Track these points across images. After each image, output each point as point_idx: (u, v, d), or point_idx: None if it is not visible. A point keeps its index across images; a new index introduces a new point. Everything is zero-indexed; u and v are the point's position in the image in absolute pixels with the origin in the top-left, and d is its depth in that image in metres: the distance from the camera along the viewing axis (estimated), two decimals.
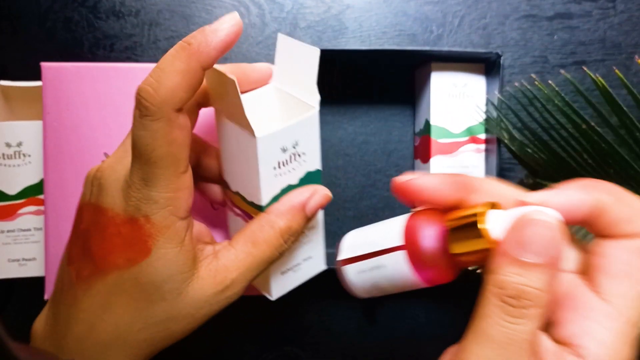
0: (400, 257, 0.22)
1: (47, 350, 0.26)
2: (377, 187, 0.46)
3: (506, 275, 0.19)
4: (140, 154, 0.23)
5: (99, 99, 0.38)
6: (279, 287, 0.31)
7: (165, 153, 0.23)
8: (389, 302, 0.47)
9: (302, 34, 0.46)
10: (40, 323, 0.27)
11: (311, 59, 0.27)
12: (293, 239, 0.27)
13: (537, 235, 0.18)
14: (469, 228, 0.20)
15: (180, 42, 0.23)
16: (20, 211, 0.40)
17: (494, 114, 0.40)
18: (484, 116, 0.42)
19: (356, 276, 0.25)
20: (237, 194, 0.30)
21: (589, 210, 0.20)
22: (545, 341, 0.20)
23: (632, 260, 0.19)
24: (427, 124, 0.43)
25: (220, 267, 0.25)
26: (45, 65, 0.37)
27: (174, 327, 0.25)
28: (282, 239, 0.27)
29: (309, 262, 0.32)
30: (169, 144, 0.23)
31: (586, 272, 0.20)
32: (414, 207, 0.24)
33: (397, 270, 0.23)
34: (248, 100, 0.29)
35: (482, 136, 0.43)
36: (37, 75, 0.37)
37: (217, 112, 0.29)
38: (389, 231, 0.23)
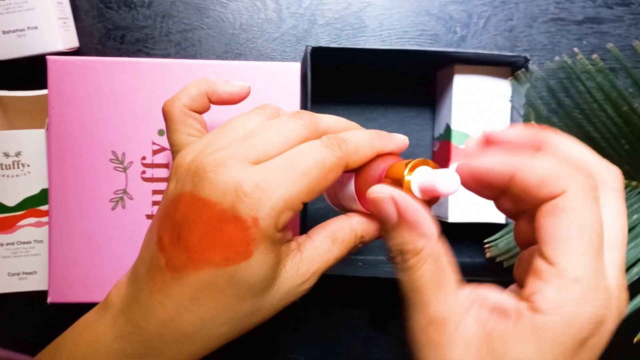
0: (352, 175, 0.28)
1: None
2: None
3: (391, 240, 0.25)
4: None
5: (104, 94, 0.36)
6: None
7: None
8: (398, 312, 0.45)
9: (320, 31, 0.44)
10: (118, 295, 0.27)
11: None
12: (361, 245, 0.28)
13: (384, 208, 0.24)
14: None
15: None
16: (20, 223, 0.38)
17: (522, 93, 0.38)
18: (509, 96, 0.40)
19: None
20: None
21: (507, 175, 0.23)
22: (507, 299, 0.24)
23: (557, 224, 0.22)
24: (448, 129, 0.41)
25: (304, 260, 0.26)
26: (50, 59, 0.36)
27: (254, 320, 0.26)
28: (355, 242, 0.28)
29: None
30: None
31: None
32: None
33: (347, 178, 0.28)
34: None
35: None
36: (42, 72, 0.36)
37: None
38: None
